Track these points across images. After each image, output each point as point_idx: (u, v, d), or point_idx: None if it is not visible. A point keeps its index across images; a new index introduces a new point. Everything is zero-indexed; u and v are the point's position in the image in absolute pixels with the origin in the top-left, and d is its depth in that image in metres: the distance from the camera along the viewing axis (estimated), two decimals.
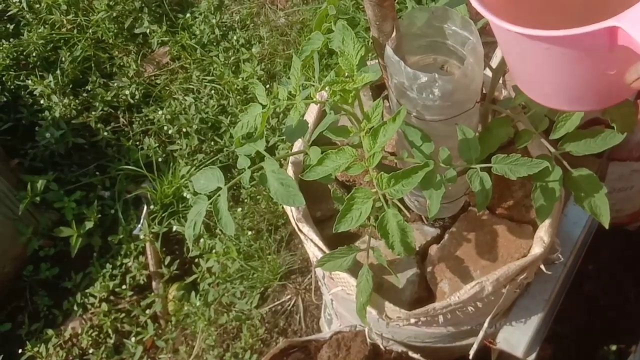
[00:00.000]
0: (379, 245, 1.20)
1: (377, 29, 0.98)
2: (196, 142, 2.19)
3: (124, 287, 2.00)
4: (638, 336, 1.48)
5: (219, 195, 0.96)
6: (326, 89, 0.98)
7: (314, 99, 0.99)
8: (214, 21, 2.43)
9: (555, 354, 1.70)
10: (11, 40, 2.46)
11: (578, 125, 1.06)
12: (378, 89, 1.40)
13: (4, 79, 2.39)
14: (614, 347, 1.67)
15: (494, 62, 1.34)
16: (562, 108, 0.92)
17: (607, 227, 1.05)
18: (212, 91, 2.30)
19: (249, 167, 0.98)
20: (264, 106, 0.97)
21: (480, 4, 0.72)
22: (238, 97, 2.25)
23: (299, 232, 1.21)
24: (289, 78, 1.02)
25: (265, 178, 0.96)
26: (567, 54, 0.64)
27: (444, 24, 1.00)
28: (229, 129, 2.20)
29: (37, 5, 2.55)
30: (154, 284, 2.01)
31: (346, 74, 0.98)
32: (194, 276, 1.96)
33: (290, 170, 1.25)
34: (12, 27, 2.52)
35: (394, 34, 0.99)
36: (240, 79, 2.27)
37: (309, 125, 1.18)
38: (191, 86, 2.34)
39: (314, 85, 1.08)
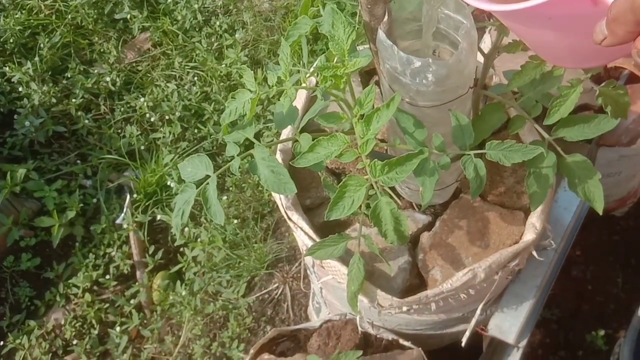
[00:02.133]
0: (370, 233, 1.19)
1: (368, 12, 0.95)
2: (179, 129, 2.15)
3: (107, 277, 1.97)
4: (626, 321, 1.48)
5: (208, 183, 0.93)
6: (316, 74, 0.95)
7: (305, 85, 0.96)
8: (196, 6, 2.38)
9: (544, 339, 1.71)
10: None
11: (571, 111, 1.05)
12: (367, 75, 1.38)
13: None
14: (602, 332, 1.67)
15: (484, 47, 1.32)
16: (581, 66, 0.92)
17: (601, 212, 1.04)
18: (195, 78, 2.26)
19: (238, 155, 0.96)
20: (252, 92, 0.94)
21: None
22: (221, 83, 2.21)
23: (288, 221, 1.19)
24: (276, 63, 1.00)
25: (255, 166, 0.93)
26: (560, 18, 0.63)
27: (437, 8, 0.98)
28: (212, 116, 2.17)
29: None
30: (138, 273, 1.98)
31: (337, 59, 0.95)
32: (180, 265, 1.93)
33: (278, 158, 1.22)
34: None
35: (386, 18, 0.97)
36: (223, 65, 2.23)
37: (298, 111, 1.15)
38: (173, 73, 2.30)
39: (301, 71, 1.05)
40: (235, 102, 0.93)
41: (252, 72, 0.97)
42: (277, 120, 1.00)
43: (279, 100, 0.95)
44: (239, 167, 0.96)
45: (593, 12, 0.59)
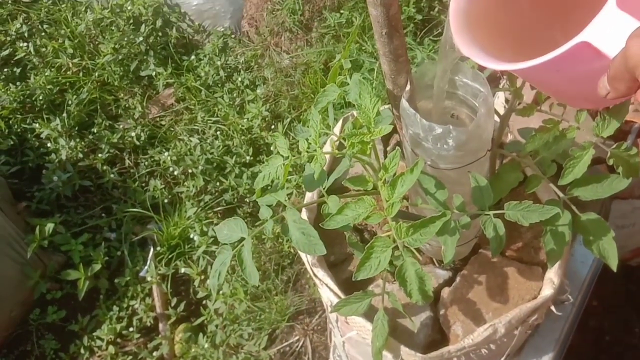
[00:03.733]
0: (393, 289, 1.23)
1: (392, 82, 1.02)
2: (202, 182, 2.21)
3: (130, 329, 2.01)
4: None
5: (243, 245, 0.98)
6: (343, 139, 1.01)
7: (334, 151, 1.02)
8: (218, 63, 2.48)
9: None
10: (18, 83, 2.49)
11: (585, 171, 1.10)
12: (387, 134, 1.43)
13: (10, 122, 2.43)
14: None
15: (496, 104, 1.37)
16: (593, 107, 0.99)
17: (615, 270, 1.08)
18: (217, 132, 2.34)
19: (270, 217, 1.01)
20: (285, 158, 1.00)
21: (479, 57, 0.77)
22: (243, 137, 2.28)
23: (314, 277, 1.23)
24: (296, 119, 1.05)
25: (287, 228, 0.98)
26: (567, 71, 0.69)
27: (455, 76, 1.04)
28: (234, 169, 2.23)
29: (44, 49, 2.59)
30: (160, 325, 2.02)
31: (363, 125, 1.01)
32: (202, 318, 1.97)
33: (304, 216, 1.28)
34: (18, 70, 2.56)
35: (408, 86, 1.03)
36: (245, 120, 2.31)
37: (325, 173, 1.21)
38: (196, 127, 2.38)
39: (328, 134, 1.11)
40: (268, 167, 0.99)
41: (272, 126, 1.02)
42: (306, 183, 1.06)
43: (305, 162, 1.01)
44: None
45: (596, 64, 0.65)
